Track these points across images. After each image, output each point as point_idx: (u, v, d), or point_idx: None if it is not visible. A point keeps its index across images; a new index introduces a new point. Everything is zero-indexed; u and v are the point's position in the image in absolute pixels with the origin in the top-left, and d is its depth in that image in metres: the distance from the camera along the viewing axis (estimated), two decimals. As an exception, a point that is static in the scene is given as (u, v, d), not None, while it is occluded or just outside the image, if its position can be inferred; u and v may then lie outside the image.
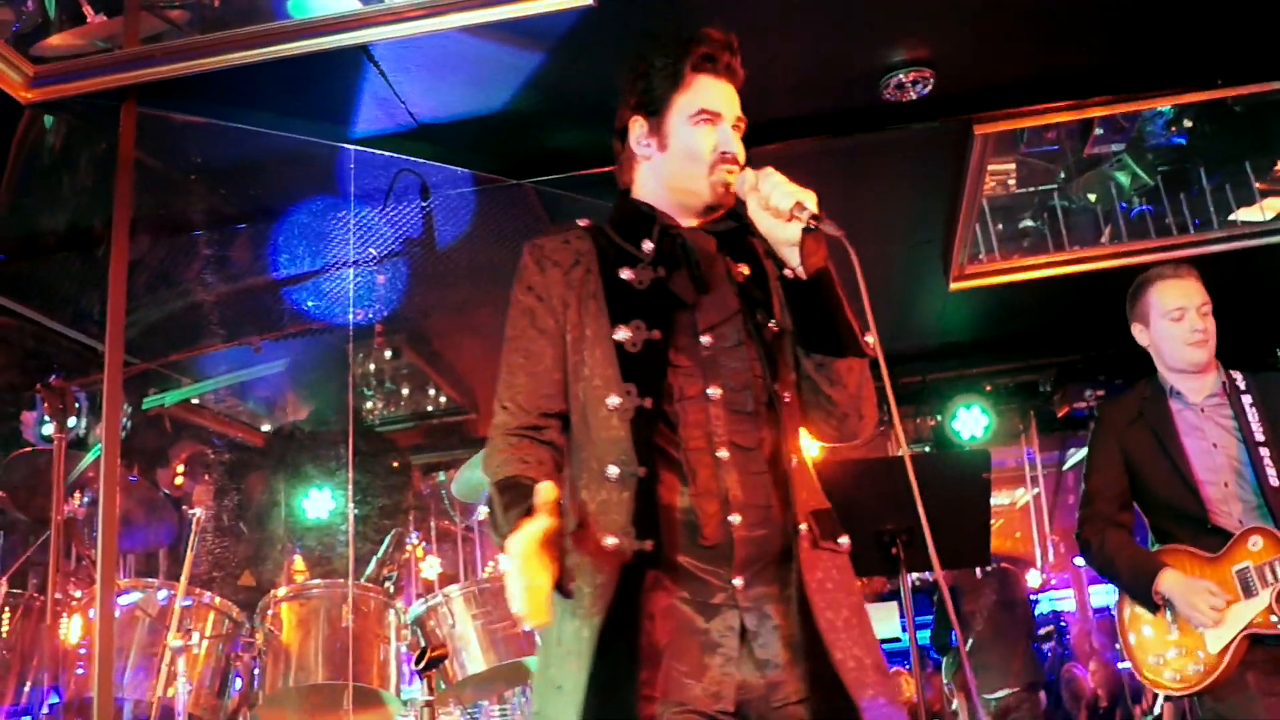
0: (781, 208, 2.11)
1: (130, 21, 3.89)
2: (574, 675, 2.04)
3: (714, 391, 2.19)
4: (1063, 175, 6.35)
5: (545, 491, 1.92)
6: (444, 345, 6.77)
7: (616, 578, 2.05)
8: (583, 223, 2.38)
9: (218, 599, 4.42)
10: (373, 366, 6.75)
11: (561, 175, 4.74)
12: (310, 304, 5.37)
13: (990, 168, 6.01)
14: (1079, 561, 11.10)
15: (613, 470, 2.13)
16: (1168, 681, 3.42)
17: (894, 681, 2.22)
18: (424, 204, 4.80)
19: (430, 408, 7.40)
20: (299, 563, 6.60)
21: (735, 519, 2.11)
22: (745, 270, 2.32)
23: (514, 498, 2.03)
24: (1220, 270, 3.97)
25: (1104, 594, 11.12)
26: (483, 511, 5.30)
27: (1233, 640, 3.30)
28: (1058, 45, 4.42)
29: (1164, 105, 5.35)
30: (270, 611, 4.42)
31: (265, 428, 7.32)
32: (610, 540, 2.07)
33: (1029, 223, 6.58)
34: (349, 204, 4.68)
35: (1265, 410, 3.50)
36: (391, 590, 4.69)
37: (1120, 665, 9.26)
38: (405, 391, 7.19)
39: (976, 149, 5.01)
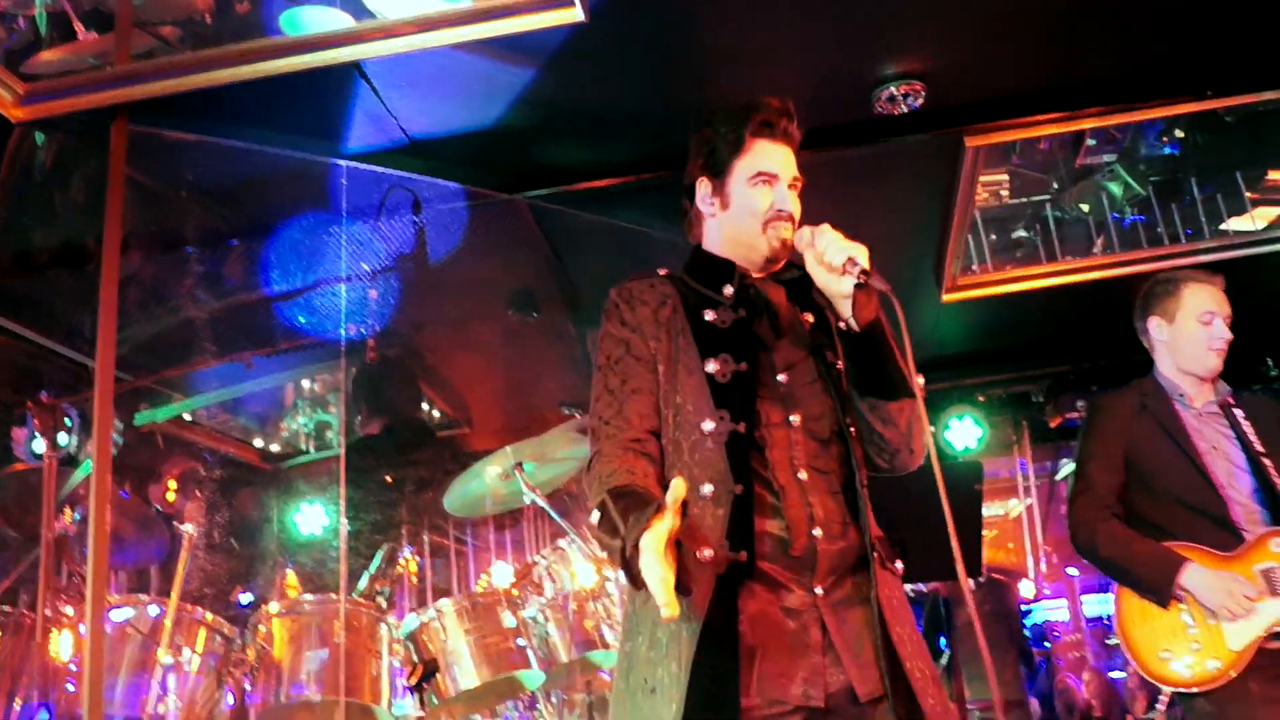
0: (834, 263, 2.32)
1: (121, 38, 3.88)
2: (673, 675, 2.21)
3: (795, 419, 2.40)
4: (1055, 186, 6.37)
5: (677, 488, 2.04)
6: (437, 360, 6.77)
7: (712, 585, 2.23)
8: (663, 271, 2.59)
9: (209, 615, 4.40)
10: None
11: (554, 190, 4.75)
12: (303, 320, 5.36)
13: (983, 179, 6.01)
14: (1072, 571, 11.13)
15: (707, 488, 2.32)
16: (1178, 675, 3.41)
17: (945, 695, 2.38)
18: (416, 219, 4.79)
19: (424, 422, 7.40)
20: (291, 578, 6.56)
21: (818, 533, 2.31)
22: (810, 317, 2.54)
23: (631, 502, 2.15)
24: None
25: (1097, 604, 11.13)
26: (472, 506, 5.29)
27: (1255, 638, 3.33)
28: (1049, 57, 4.43)
29: (1155, 116, 5.36)
30: (262, 627, 4.40)
31: (258, 443, 7.31)
32: (706, 552, 2.23)
33: (1022, 233, 6.60)
34: (341, 220, 4.68)
35: (1257, 425, 3.57)
36: (384, 605, 4.68)
37: (1113, 675, 9.28)
38: (396, 407, 7.17)
39: (968, 161, 5.02)
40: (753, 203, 2.50)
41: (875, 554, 2.35)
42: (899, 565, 2.46)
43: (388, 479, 6.35)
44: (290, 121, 4.24)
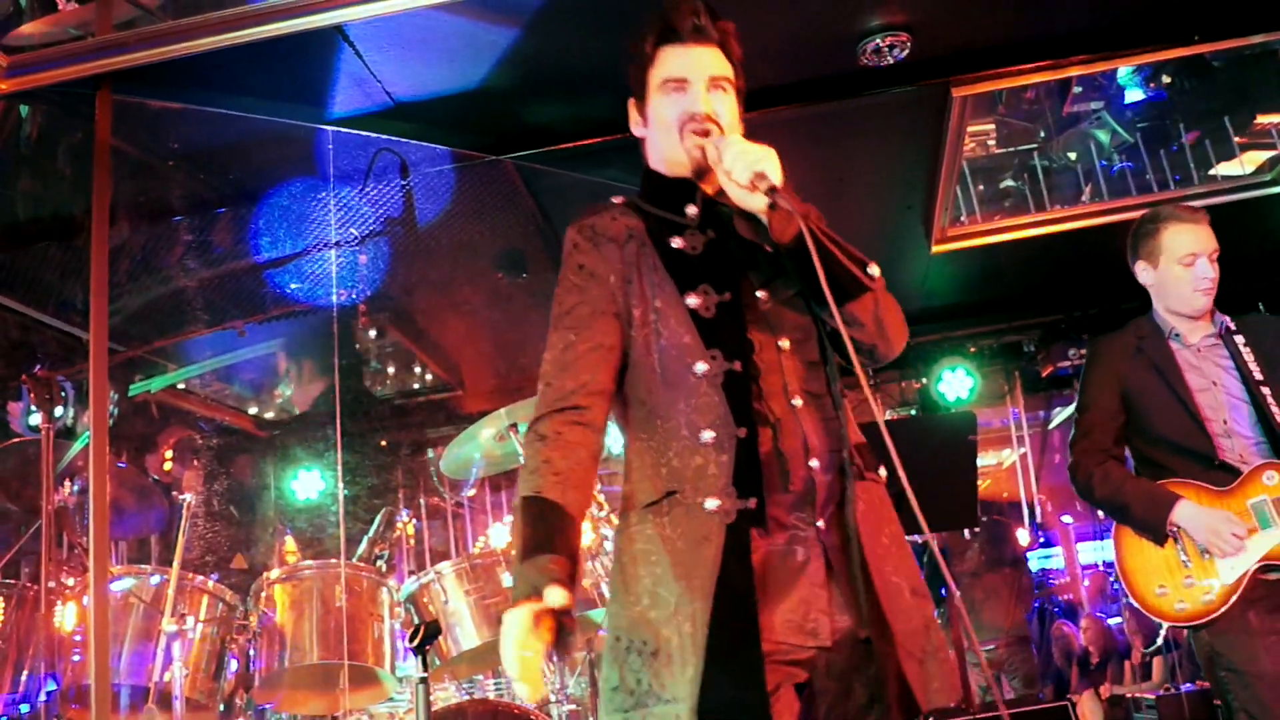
0: (740, 180, 2.15)
1: (103, 8, 3.87)
2: (686, 635, 2.08)
3: (785, 343, 2.27)
4: (1043, 135, 6.35)
5: (555, 598, 1.99)
6: (428, 323, 6.77)
7: (723, 538, 2.11)
8: (618, 200, 2.43)
9: (210, 583, 4.43)
10: (357, 346, 6.75)
11: (540, 150, 4.74)
12: (293, 286, 5.36)
13: (970, 129, 6.00)
14: (1067, 519, 11.21)
15: (707, 435, 2.17)
16: (1175, 611, 3.45)
17: (928, 606, 2.29)
18: (404, 183, 4.79)
19: (416, 385, 7.41)
20: (290, 544, 6.60)
21: (815, 464, 2.20)
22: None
23: (540, 533, 2.08)
24: None
25: (1092, 551, 11.22)
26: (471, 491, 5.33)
27: (1248, 571, 3.36)
28: (1034, 6, 4.41)
29: (1141, 62, 5.34)
30: (263, 594, 4.44)
31: (253, 411, 7.32)
32: (712, 503, 2.13)
33: (1010, 183, 6.59)
34: (329, 185, 4.67)
35: (1259, 352, 3.56)
36: (384, 569, 4.71)
37: (1110, 621, 9.35)
38: (391, 370, 7.20)
39: (955, 111, 5.01)
40: (664, 112, 2.34)
41: (854, 466, 2.24)
42: (881, 472, 2.35)
43: (383, 443, 6.39)
44: (274, 87, 4.21)
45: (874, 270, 2.27)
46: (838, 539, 2.21)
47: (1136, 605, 3.59)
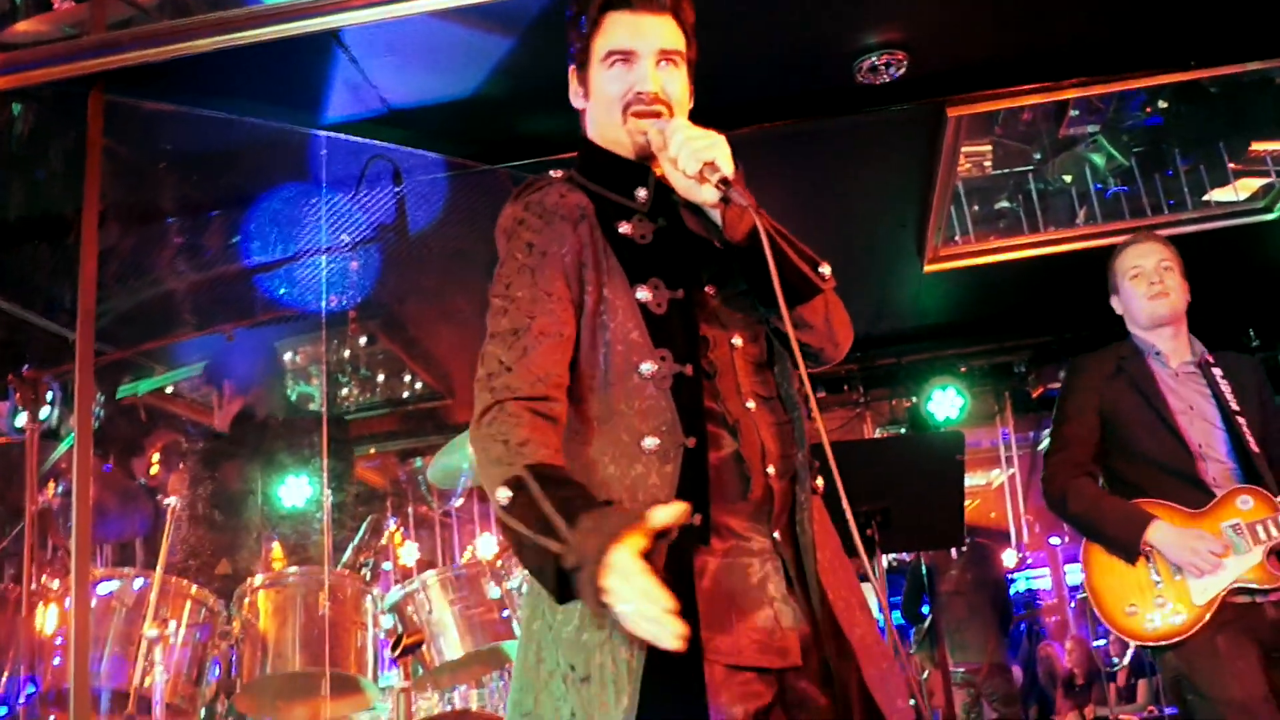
0: (689, 170, 1.98)
1: (97, 8, 3.85)
2: (622, 661, 1.87)
3: (737, 341, 2.10)
4: (1038, 157, 6.37)
5: (677, 509, 1.78)
6: (419, 331, 6.75)
7: (664, 556, 1.86)
8: (558, 174, 2.20)
9: (194, 587, 4.41)
10: (347, 353, 6.74)
11: (534, 159, 4.72)
12: (283, 291, 5.34)
13: (966, 150, 6.02)
14: (1055, 541, 11.21)
15: (650, 442, 1.97)
16: (1145, 630, 3.46)
17: (874, 622, 2.13)
18: (396, 190, 4.77)
19: (406, 394, 7.39)
20: (277, 550, 6.58)
21: (770, 470, 2.04)
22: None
23: (572, 494, 1.82)
24: (1194, 250, 4.02)
25: (1079, 572, 11.21)
26: (459, 501, 5.31)
27: (1218, 594, 3.37)
28: (1031, 27, 4.41)
29: (1138, 86, 5.36)
30: (247, 599, 4.42)
31: (241, 415, 7.30)
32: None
33: (1005, 204, 6.60)
34: (321, 190, 4.66)
35: (1234, 385, 3.61)
36: (368, 577, 4.70)
37: (1096, 644, 9.36)
38: (381, 378, 7.18)
39: (950, 131, 5.02)
40: (607, 87, 2.12)
41: (809, 473, 2.08)
42: (818, 481, 2.12)
43: (371, 451, 6.37)
44: (268, 91, 4.21)
45: (825, 270, 2.13)
46: (792, 552, 2.06)
47: (1104, 623, 3.60)
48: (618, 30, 2.12)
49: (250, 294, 5.48)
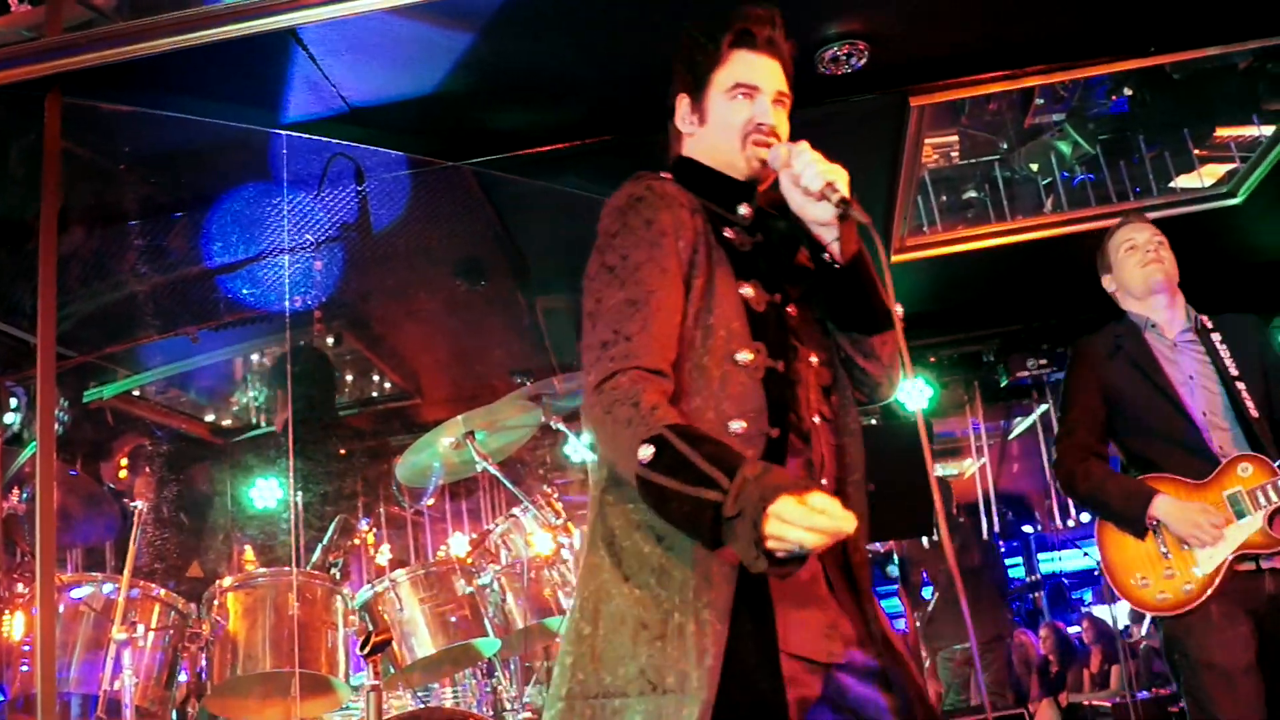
0: (812, 187, 2.16)
1: (54, 10, 3.82)
2: (704, 621, 1.97)
3: (814, 359, 2.28)
4: (1005, 146, 6.39)
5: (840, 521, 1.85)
6: (385, 330, 6.73)
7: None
8: (665, 175, 2.34)
9: (163, 591, 4.38)
10: (314, 353, 6.71)
11: (499, 156, 4.72)
12: (246, 292, 5.31)
13: (933, 140, 6.04)
14: (1027, 529, 11.27)
15: (737, 425, 2.10)
16: (1157, 601, 3.58)
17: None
18: (359, 188, 4.75)
19: (374, 393, 7.38)
20: (249, 553, 6.55)
21: (824, 484, 2.20)
22: (806, 250, 2.35)
23: (721, 451, 1.92)
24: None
25: (1052, 561, 11.28)
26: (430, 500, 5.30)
27: (1224, 561, 3.48)
28: (992, 15, 4.42)
29: (1099, 73, 5.38)
30: (216, 601, 4.39)
31: (209, 418, 7.26)
32: None
33: (972, 194, 6.62)
34: (283, 190, 4.63)
35: (1234, 348, 3.68)
36: (338, 576, 4.67)
37: (1070, 630, 9.41)
38: (349, 378, 7.16)
39: (913, 121, 5.03)
40: (730, 116, 2.32)
41: (863, 492, 2.27)
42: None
43: (341, 451, 6.34)
44: (228, 91, 4.18)
45: (899, 310, 2.27)
46: (833, 559, 2.21)
47: (1120, 597, 3.72)
48: (743, 67, 2.34)
49: (214, 296, 5.44)
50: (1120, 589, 3.69)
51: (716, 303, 2.17)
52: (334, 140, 4.45)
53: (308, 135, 4.39)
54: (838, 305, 2.31)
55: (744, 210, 2.33)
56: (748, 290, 2.21)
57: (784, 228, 2.33)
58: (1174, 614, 3.54)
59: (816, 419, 2.23)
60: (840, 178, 2.16)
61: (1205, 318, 3.78)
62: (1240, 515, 3.49)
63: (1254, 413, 3.56)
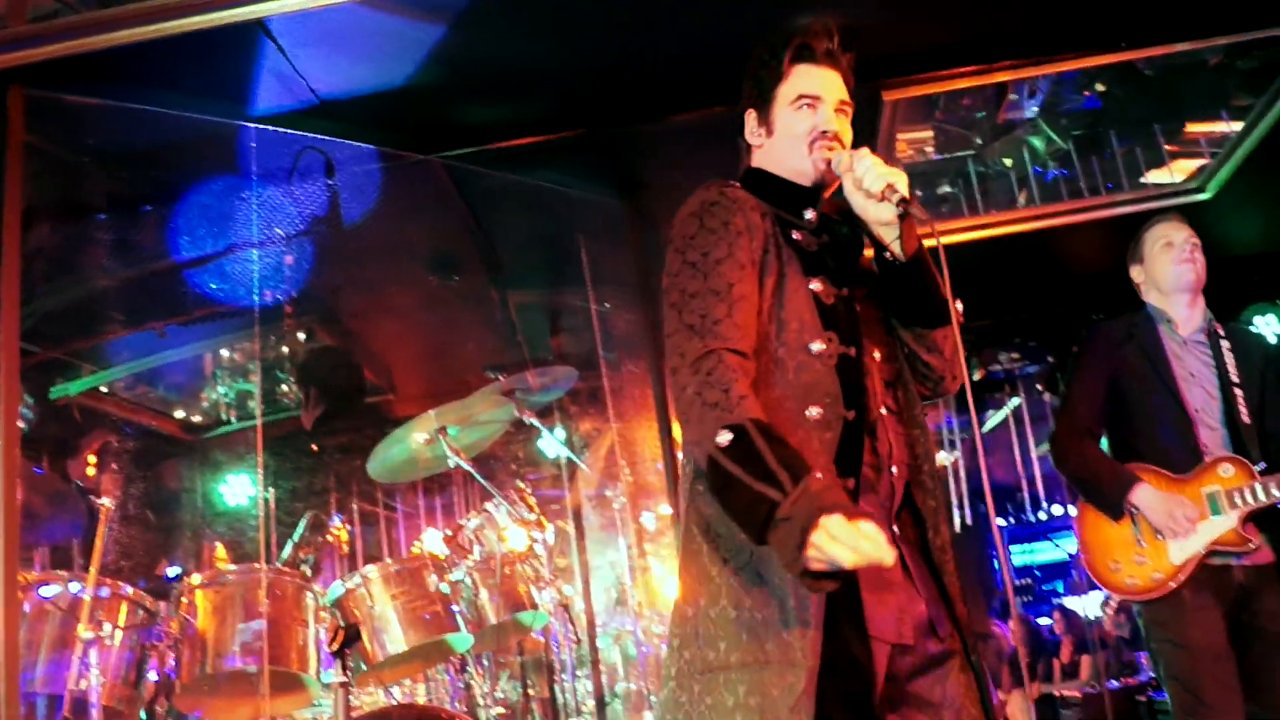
0: (873, 189, 2.30)
1: (17, 1, 3.77)
2: (803, 599, 2.10)
3: (877, 354, 2.40)
4: (979, 141, 6.40)
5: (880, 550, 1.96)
6: (357, 325, 6.70)
7: None
8: (735, 184, 2.48)
9: (130, 589, 4.33)
10: (286, 349, 6.66)
11: (469, 150, 4.69)
12: (215, 287, 5.25)
13: (907, 135, 6.04)
14: (1000, 523, 11.32)
15: (814, 411, 2.24)
16: (1126, 585, 3.72)
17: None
18: (329, 182, 4.71)
19: (346, 390, 7.30)
20: (221, 552, 6.50)
21: (895, 470, 2.33)
22: (870, 252, 2.48)
23: (791, 456, 2.04)
24: (1131, 232, 4.14)
25: (1024, 554, 11.35)
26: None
27: (1194, 555, 3.60)
28: (964, 10, 4.44)
29: (1070, 68, 5.39)
30: (185, 599, 4.35)
31: (179, 414, 7.20)
32: (816, 474, 2.11)
33: (946, 189, 6.64)
34: (252, 184, 4.58)
35: (1239, 357, 3.79)
36: (309, 573, 4.63)
37: (1040, 621, 9.47)
38: (319, 374, 7.09)
39: (886, 115, 5.04)
40: (795, 125, 2.47)
41: (933, 482, 2.39)
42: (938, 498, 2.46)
43: (313, 447, 6.30)
44: (195, 83, 4.13)
45: (959, 305, 2.40)
46: (910, 545, 2.34)
47: (1091, 577, 3.86)
48: (805, 79, 2.50)
49: (182, 290, 5.38)
50: (1093, 571, 3.82)
51: (788, 298, 2.32)
52: (303, 133, 4.42)
53: (277, 128, 4.35)
54: (901, 301, 2.44)
55: (810, 215, 2.45)
56: (816, 285, 2.34)
57: (847, 232, 2.48)
58: (1141, 599, 3.67)
59: (883, 410, 2.34)
60: (900, 180, 2.29)
61: (1219, 325, 3.88)
62: (1216, 513, 3.59)
63: (1246, 418, 3.67)
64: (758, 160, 2.57)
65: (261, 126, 4.32)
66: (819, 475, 2.02)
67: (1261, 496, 3.57)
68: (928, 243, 2.42)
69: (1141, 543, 3.68)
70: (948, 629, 2.31)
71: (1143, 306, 4.01)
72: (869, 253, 2.48)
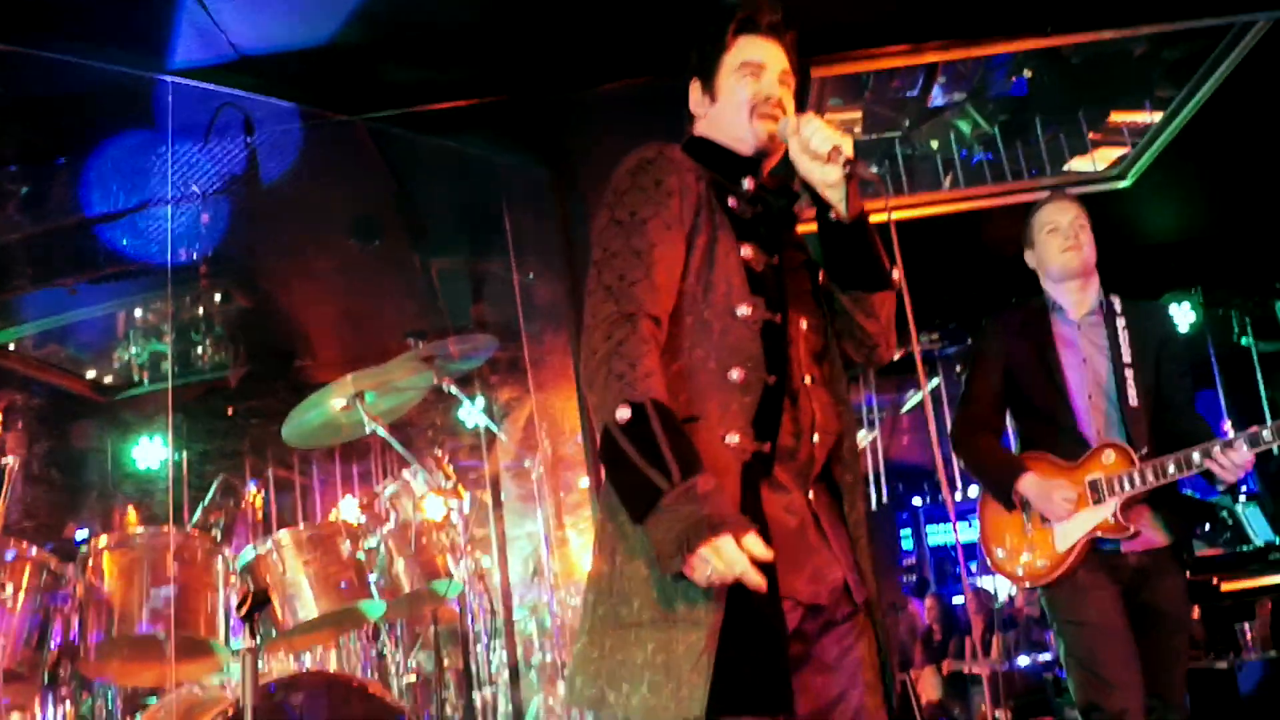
0: (820, 150, 2.32)
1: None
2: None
3: (804, 324, 2.41)
4: (907, 124, 6.44)
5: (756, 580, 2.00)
6: (274, 288, 6.58)
7: (740, 475, 2.19)
8: (676, 146, 2.47)
9: (36, 550, 4.23)
10: (201, 310, 6.54)
11: (395, 110, 4.62)
12: (127, 243, 5.12)
13: (837, 116, 6.06)
14: (917, 502, 11.47)
15: (735, 374, 2.25)
16: (1013, 571, 3.76)
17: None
18: (248, 139, 4.61)
19: (262, 353, 7.19)
20: (131, 514, 6.39)
21: (816, 439, 2.33)
22: (800, 229, 2.52)
23: (685, 446, 2.07)
24: None
25: (940, 533, 11.51)
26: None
27: (1079, 541, 3.61)
28: (894, -10, 4.45)
29: (997, 52, 5.44)
30: (91, 561, 4.26)
31: (90, 375, 7.03)
32: (733, 438, 2.21)
33: (873, 169, 6.67)
34: (168, 139, 4.47)
35: (1135, 335, 3.76)
36: (219, 537, 4.56)
37: (954, 601, 9.60)
38: (236, 335, 6.97)
39: (814, 92, 5.04)
40: (738, 92, 2.47)
41: (850, 452, 2.42)
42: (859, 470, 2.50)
43: (228, 411, 6.20)
44: (111, 34, 4.03)
45: (896, 273, 2.44)
46: (827, 513, 2.37)
47: (987, 564, 3.88)
48: (749, 48, 2.49)
49: (93, 246, 5.25)
50: (989, 558, 3.87)
51: (718, 261, 2.32)
52: (223, 88, 4.32)
53: (195, 82, 4.25)
54: (842, 263, 2.46)
55: (747, 184, 2.45)
56: (747, 251, 2.34)
57: (783, 204, 2.49)
58: (1031, 584, 3.71)
59: (807, 380, 2.35)
60: (846, 142, 2.32)
61: (1117, 300, 3.85)
62: (1098, 500, 3.61)
63: (1134, 401, 3.66)
64: (700, 129, 2.56)
65: (179, 80, 4.22)
66: (708, 476, 2.05)
67: (1137, 482, 3.57)
68: (879, 217, 2.46)
69: (1029, 530, 3.71)
70: (859, 596, 2.34)
71: (1040, 292, 3.96)
72: (799, 229, 2.52)
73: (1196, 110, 5.94)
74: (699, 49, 2.56)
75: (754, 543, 2.01)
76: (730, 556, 1.97)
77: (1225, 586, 5.48)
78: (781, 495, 2.28)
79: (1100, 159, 6.82)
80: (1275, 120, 6.09)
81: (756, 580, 1.99)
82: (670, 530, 2.01)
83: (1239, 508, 7.29)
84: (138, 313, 6.72)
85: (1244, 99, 5.77)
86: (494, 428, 5.78)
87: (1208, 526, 7.62)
